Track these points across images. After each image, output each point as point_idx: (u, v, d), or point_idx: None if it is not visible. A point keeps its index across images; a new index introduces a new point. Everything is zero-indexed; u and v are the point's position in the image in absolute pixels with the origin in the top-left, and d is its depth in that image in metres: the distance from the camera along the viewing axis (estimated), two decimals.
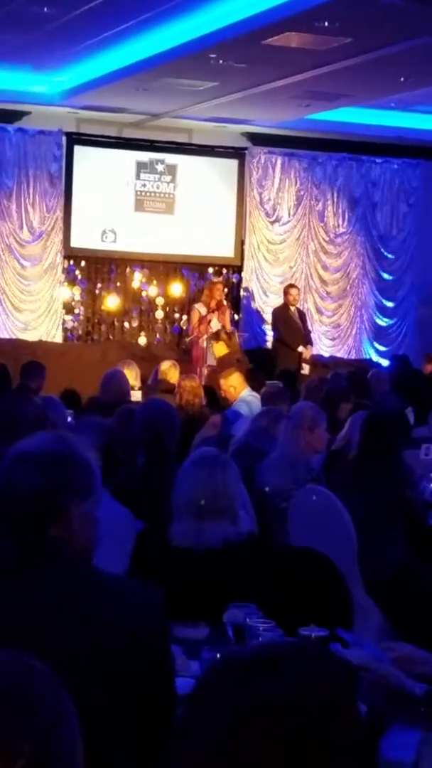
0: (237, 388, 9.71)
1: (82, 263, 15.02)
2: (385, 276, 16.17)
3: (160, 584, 3.57)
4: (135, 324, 15.20)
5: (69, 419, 6.91)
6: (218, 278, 15.05)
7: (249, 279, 15.58)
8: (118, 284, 15.17)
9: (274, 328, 14.30)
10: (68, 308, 14.93)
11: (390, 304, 16.20)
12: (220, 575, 3.68)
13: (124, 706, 2.28)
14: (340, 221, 15.93)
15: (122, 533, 4.16)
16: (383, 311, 16.21)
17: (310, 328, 14.60)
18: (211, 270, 15.44)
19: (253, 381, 10.58)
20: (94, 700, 2.24)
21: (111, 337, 15.04)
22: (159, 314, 15.27)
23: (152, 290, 15.23)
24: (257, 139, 15.47)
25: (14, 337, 14.30)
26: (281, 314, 14.15)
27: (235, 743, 1.32)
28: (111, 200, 14.89)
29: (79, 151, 14.82)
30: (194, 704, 1.40)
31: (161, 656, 2.38)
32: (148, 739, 2.27)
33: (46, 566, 2.39)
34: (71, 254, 14.89)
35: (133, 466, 5.22)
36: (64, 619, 2.33)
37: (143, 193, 15.10)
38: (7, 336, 14.31)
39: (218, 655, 2.12)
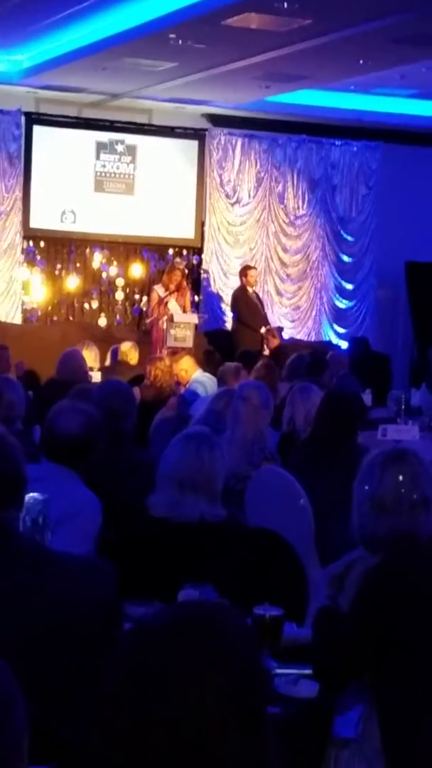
0: (188, 371, 9.85)
1: (42, 244, 14.95)
2: (345, 258, 16.22)
3: (133, 552, 3.60)
4: (95, 305, 15.15)
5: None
6: (179, 261, 15.02)
7: (209, 260, 15.57)
8: (78, 265, 15.12)
9: (234, 310, 14.31)
10: (27, 289, 14.86)
11: (349, 286, 16.25)
12: (192, 550, 3.71)
13: (73, 683, 2.30)
14: (300, 203, 15.95)
15: (88, 519, 4.16)
16: (343, 293, 16.26)
17: (266, 310, 14.64)
18: (171, 251, 15.42)
19: (210, 362, 10.62)
20: (43, 677, 2.25)
21: (71, 318, 15.00)
22: (119, 295, 15.24)
23: (112, 271, 15.19)
24: (217, 121, 15.45)
25: None
26: (241, 296, 14.17)
27: (149, 707, 1.33)
28: (71, 181, 14.82)
29: (38, 131, 14.73)
30: (112, 671, 1.41)
31: (113, 633, 2.40)
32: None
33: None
34: (30, 235, 14.81)
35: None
36: (15, 597, 2.34)
37: (103, 174, 15.04)
38: None
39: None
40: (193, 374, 9.81)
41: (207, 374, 9.84)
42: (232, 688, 1.35)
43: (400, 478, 3.08)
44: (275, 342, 13.40)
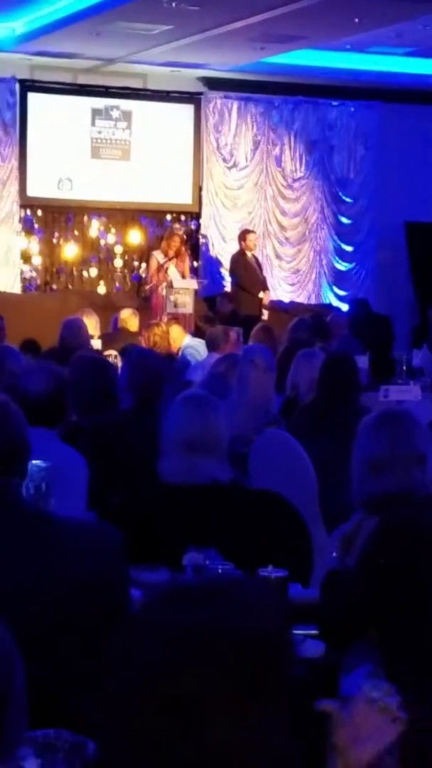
0: (177, 339, 9.92)
1: (39, 212, 14.90)
2: (344, 220, 16.16)
3: (141, 517, 3.61)
4: (94, 273, 15.12)
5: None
6: (178, 226, 14.97)
7: (207, 225, 15.52)
8: (76, 233, 15.07)
9: (233, 275, 14.28)
10: (26, 258, 14.83)
11: (349, 248, 16.20)
12: (202, 513, 3.71)
13: (83, 647, 2.31)
14: (298, 165, 15.87)
15: (76, 476, 4.19)
16: (342, 255, 16.22)
17: (266, 273, 14.62)
18: (169, 217, 15.36)
19: (209, 326, 10.66)
20: (52, 643, 2.26)
21: (70, 286, 14.97)
22: (118, 263, 15.20)
23: (110, 238, 15.15)
24: (213, 84, 15.35)
25: None
26: (239, 260, 14.13)
27: (173, 668, 1.33)
28: (66, 148, 14.75)
29: (33, 98, 14.64)
30: (132, 631, 1.41)
31: (119, 598, 2.41)
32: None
33: (2, 514, 2.41)
34: (28, 203, 14.76)
35: (112, 410, 5.27)
36: (21, 565, 2.35)
37: (99, 140, 14.97)
38: None
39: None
40: (182, 341, 9.88)
41: (197, 339, 9.90)
42: (253, 657, 1.35)
43: (394, 437, 3.10)
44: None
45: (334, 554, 3.17)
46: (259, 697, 1.34)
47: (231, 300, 13.63)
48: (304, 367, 6.64)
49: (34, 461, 3.09)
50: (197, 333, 10.83)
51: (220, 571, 3.27)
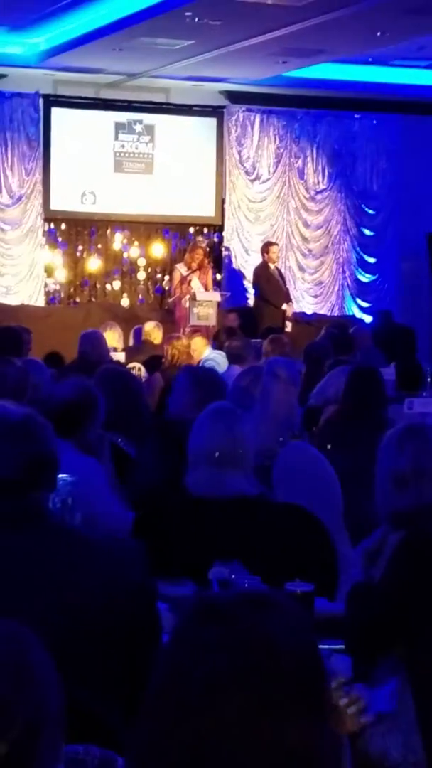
0: (198, 350, 9.93)
1: (63, 226, 14.97)
2: (367, 232, 16.16)
3: (175, 533, 3.61)
4: (117, 286, 15.17)
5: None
6: (201, 239, 15.01)
7: (230, 238, 15.55)
8: (99, 246, 15.13)
9: (256, 287, 14.30)
10: (50, 271, 14.90)
11: (372, 260, 16.20)
12: (229, 526, 3.71)
13: (113, 662, 2.32)
14: (320, 178, 15.89)
15: (97, 482, 4.21)
16: (365, 267, 16.21)
17: (288, 286, 14.63)
18: (192, 230, 15.40)
19: (232, 339, 10.67)
20: (81, 659, 2.28)
21: (93, 299, 15.02)
22: (141, 275, 15.25)
23: (134, 251, 15.20)
24: (235, 97, 15.39)
25: None
26: (262, 272, 14.15)
27: (216, 684, 1.35)
28: (90, 162, 14.82)
29: (56, 113, 14.73)
30: (173, 647, 1.42)
31: (146, 612, 2.42)
32: (137, 695, 2.31)
33: (30, 528, 2.42)
34: (51, 217, 14.83)
35: (138, 423, 5.31)
36: (46, 579, 2.36)
37: (122, 154, 15.03)
38: None
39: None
40: (203, 353, 9.88)
41: (217, 351, 9.91)
42: (296, 667, 1.37)
43: (419, 451, 3.09)
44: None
45: (359, 568, 3.17)
46: (300, 708, 1.36)
47: (240, 315, 13.58)
48: (335, 379, 6.62)
49: (61, 475, 3.11)
50: (215, 345, 10.84)
51: (246, 585, 3.28)
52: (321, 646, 3.00)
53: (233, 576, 3.34)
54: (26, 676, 1.36)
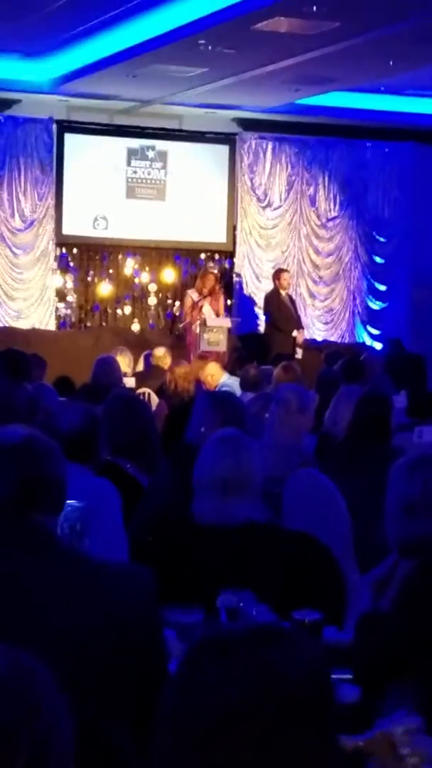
0: (214, 375, 9.94)
1: (74, 251, 15.02)
2: (378, 259, 16.19)
3: (183, 560, 3.60)
4: (128, 311, 15.20)
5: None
6: (212, 265, 15.06)
7: (241, 264, 15.59)
8: (111, 271, 15.17)
9: (267, 313, 14.32)
10: (61, 296, 14.94)
11: (382, 288, 16.21)
12: (235, 554, 3.69)
13: (119, 689, 2.31)
14: (332, 205, 15.93)
15: (112, 503, 4.22)
16: (376, 294, 16.23)
17: (300, 312, 14.65)
18: (203, 256, 15.44)
19: (243, 366, 10.66)
20: (89, 684, 2.27)
21: (104, 324, 15.05)
22: (152, 300, 15.28)
23: (145, 277, 15.23)
24: (248, 125, 15.45)
25: (7, 325, 14.31)
26: (273, 299, 14.18)
27: (223, 718, 1.34)
28: (102, 187, 14.88)
29: (69, 138, 14.81)
30: (180, 683, 1.42)
31: (153, 639, 2.41)
32: (144, 721, 2.30)
33: (35, 552, 2.41)
34: (63, 242, 14.88)
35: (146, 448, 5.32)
36: (53, 604, 2.35)
37: (134, 180, 15.09)
38: (0, 325, 14.32)
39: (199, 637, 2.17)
40: (219, 379, 9.89)
41: (234, 377, 9.91)
42: (300, 702, 1.36)
43: (429, 481, 3.08)
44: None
45: (368, 598, 3.15)
46: (309, 741, 1.35)
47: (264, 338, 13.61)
48: (345, 405, 6.61)
49: (68, 501, 3.11)
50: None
51: (254, 613, 3.26)
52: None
53: (241, 604, 3.32)
54: (33, 704, 1.36)
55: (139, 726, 2.27)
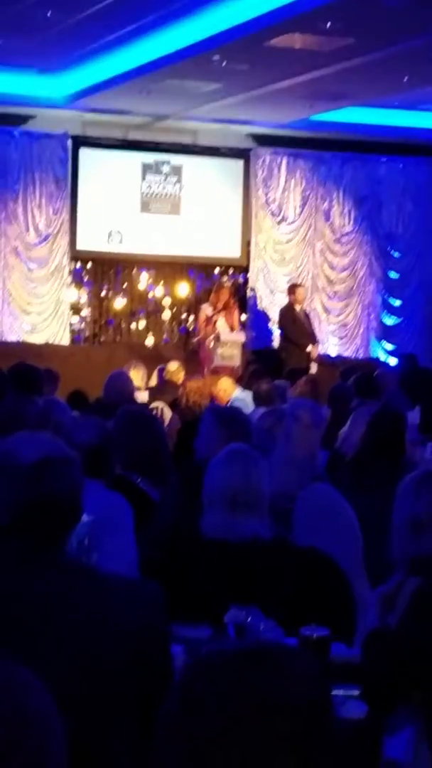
0: (227, 390, 9.92)
1: (89, 265, 15.05)
2: (392, 275, 16.17)
3: (191, 575, 3.60)
4: (142, 325, 15.22)
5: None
6: (225, 279, 15.08)
7: (255, 279, 15.59)
8: (125, 285, 15.20)
9: (282, 328, 14.31)
10: (75, 310, 14.97)
11: (397, 303, 16.20)
12: (243, 570, 3.68)
13: (125, 704, 2.30)
14: (346, 220, 15.93)
15: (125, 520, 4.22)
16: (390, 310, 16.21)
17: (314, 328, 14.64)
18: (217, 270, 15.46)
19: (257, 381, 10.65)
20: (95, 699, 2.26)
21: (118, 338, 15.07)
22: (166, 315, 15.29)
23: (159, 291, 15.25)
24: (262, 140, 15.49)
25: (21, 339, 14.33)
26: (288, 314, 14.17)
27: (221, 737, 1.34)
28: (117, 202, 14.92)
29: (84, 153, 14.85)
30: (179, 701, 1.41)
31: (160, 654, 2.40)
32: (149, 736, 2.29)
33: (44, 567, 2.41)
34: (78, 256, 14.92)
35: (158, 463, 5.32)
36: (61, 618, 2.35)
37: (149, 195, 15.12)
38: (14, 339, 14.35)
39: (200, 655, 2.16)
40: (232, 393, 9.87)
41: (247, 392, 9.90)
42: (294, 724, 1.36)
43: None
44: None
45: (375, 614, 3.14)
46: (309, 761, 1.35)
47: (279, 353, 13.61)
48: (361, 422, 6.60)
49: None
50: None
51: (262, 628, 3.25)
52: (336, 692, 2.98)
53: (249, 619, 3.31)
54: (25, 721, 1.34)
55: (143, 742, 2.27)
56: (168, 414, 9.53)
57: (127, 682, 2.32)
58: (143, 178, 15.11)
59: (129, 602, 2.42)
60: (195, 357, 13.52)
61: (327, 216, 15.86)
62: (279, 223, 15.69)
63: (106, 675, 2.31)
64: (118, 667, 2.32)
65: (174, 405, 9.62)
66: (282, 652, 1.45)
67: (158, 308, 15.29)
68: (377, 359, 15.51)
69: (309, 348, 13.83)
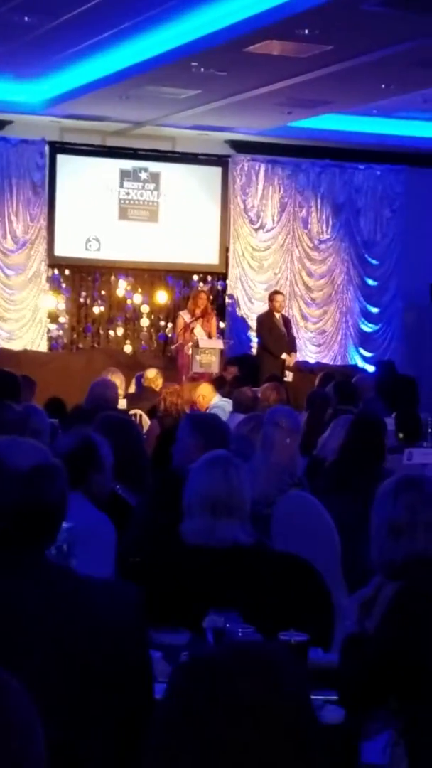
0: (206, 396, 9.95)
1: (67, 272, 15.02)
2: (370, 282, 16.21)
3: (170, 581, 3.58)
4: (120, 332, 15.20)
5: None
6: (203, 286, 15.09)
7: (234, 286, 15.60)
8: (103, 292, 15.17)
9: (259, 335, 14.32)
10: (53, 317, 14.93)
11: (375, 310, 16.23)
12: (223, 575, 3.69)
13: (102, 705, 2.29)
14: (324, 228, 15.96)
15: (104, 538, 4.18)
16: (368, 317, 16.24)
17: (295, 334, 14.64)
18: (195, 277, 15.46)
19: (238, 388, 10.66)
20: (72, 700, 2.25)
21: (96, 345, 15.04)
22: (144, 322, 15.28)
23: (137, 298, 15.24)
24: (240, 147, 15.50)
25: None
26: (266, 321, 14.17)
27: (213, 741, 1.33)
28: (95, 209, 14.90)
29: (62, 159, 14.83)
30: (168, 703, 1.41)
31: (138, 656, 2.39)
32: (127, 740, 2.28)
33: (26, 568, 2.40)
34: (55, 263, 14.89)
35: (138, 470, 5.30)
36: (40, 619, 2.34)
37: (127, 201, 15.11)
38: None
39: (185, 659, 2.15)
40: (211, 400, 9.90)
41: (225, 399, 9.91)
42: (286, 725, 1.36)
43: (414, 502, 3.08)
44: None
45: (353, 619, 3.13)
46: (294, 762, 1.34)
47: (240, 366, 13.58)
48: (341, 429, 6.61)
49: None
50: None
51: (240, 634, 3.25)
52: (314, 697, 2.97)
53: (227, 625, 3.30)
54: (5, 723, 1.33)
55: (121, 743, 2.25)
56: (146, 421, 9.53)
57: (106, 683, 2.31)
58: (121, 185, 15.10)
59: (107, 603, 2.41)
60: (173, 364, 13.52)
61: (305, 223, 15.89)
62: (257, 230, 15.71)
63: (85, 676, 2.31)
64: (97, 667, 2.32)
65: (152, 412, 9.62)
66: (270, 654, 1.44)
67: (136, 315, 15.28)
68: (355, 366, 15.54)
69: (283, 356, 13.81)
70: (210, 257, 15.54)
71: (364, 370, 14.79)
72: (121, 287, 15.19)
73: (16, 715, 1.34)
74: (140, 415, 9.67)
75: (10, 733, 1.32)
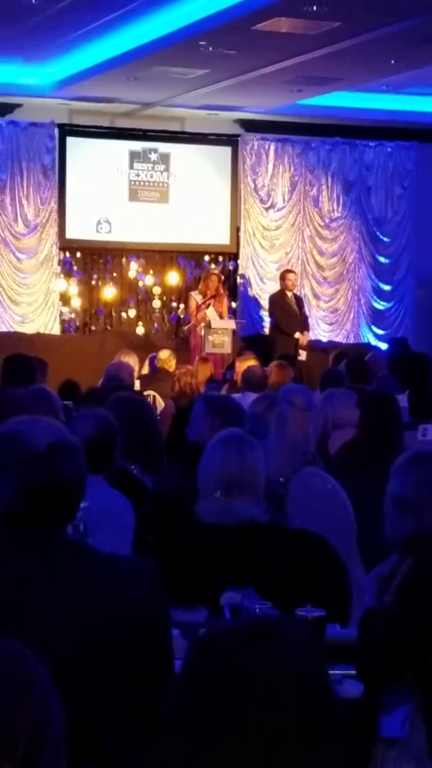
0: (202, 374, 9.98)
1: (78, 254, 15.02)
2: (382, 259, 16.17)
3: (187, 559, 3.60)
4: (132, 314, 15.20)
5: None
6: (215, 267, 15.07)
7: (245, 266, 15.58)
8: (115, 274, 15.17)
9: (271, 315, 14.31)
10: (65, 300, 14.94)
11: (387, 288, 16.20)
12: (239, 553, 3.70)
13: (123, 680, 2.30)
14: (335, 206, 15.92)
15: (124, 520, 4.19)
16: (380, 295, 16.21)
17: (307, 313, 14.63)
18: (207, 258, 15.44)
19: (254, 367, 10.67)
20: (93, 676, 2.27)
21: (108, 327, 15.05)
22: (156, 303, 15.28)
23: (149, 280, 15.23)
24: (250, 126, 15.46)
25: (11, 330, 14.31)
26: (278, 300, 14.16)
27: (230, 715, 1.34)
28: (105, 190, 14.89)
29: (71, 142, 14.81)
30: (185, 678, 1.42)
31: (158, 631, 2.40)
32: (147, 715, 2.29)
33: (45, 546, 2.41)
34: (67, 246, 14.89)
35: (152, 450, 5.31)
36: (61, 596, 2.35)
37: (137, 183, 15.09)
38: (4, 329, 14.32)
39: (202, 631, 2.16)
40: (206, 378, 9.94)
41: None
42: (301, 698, 1.36)
43: (421, 478, 3.08)
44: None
45: (372, 594, 3.15)
46: (311, 738, 1.35)
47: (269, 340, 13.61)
48: (329, 407, 6.67)
49: None
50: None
51: (257, 610, 3.26)
52: (332, 672, 2.99)
53: (245, 602, 3.32)
54: (29, 692, 1.35)
55: (141, 720, 2.27)
56: (160, 402, 9.54)
57: (129, 659, 2.32)
58: (131, 167, 15.07)
59: (129, 578, 2.42)
60: (186, 345, 13.52)
61: (316, 202, 15.85)
62: (268, 209, 15.68)
63: (107, 651, 2.32)
64: (120, 643, 2.32)
65: (166, 393, 9.63)
66: (284, 628, 1.45)
67: (148, 297, 15.28)
68: (368, 344, 15.52)
69: (297, 335, 13.80)
70: (221, 237, 15.52)
71: (376, 348, 14.78)
72: (133, 269, 15.19)
73: (39, 686, 1.36)
74: (154, 396, 9.68)
75: (35, 702, 1.34)
